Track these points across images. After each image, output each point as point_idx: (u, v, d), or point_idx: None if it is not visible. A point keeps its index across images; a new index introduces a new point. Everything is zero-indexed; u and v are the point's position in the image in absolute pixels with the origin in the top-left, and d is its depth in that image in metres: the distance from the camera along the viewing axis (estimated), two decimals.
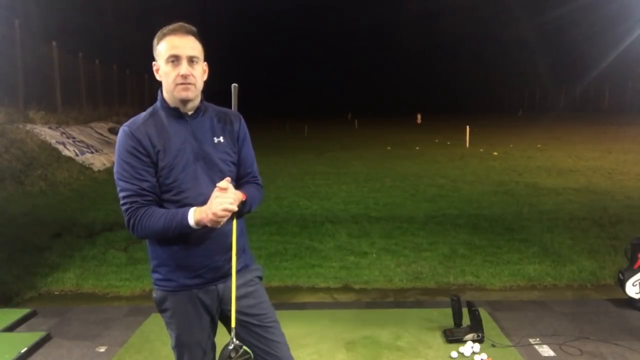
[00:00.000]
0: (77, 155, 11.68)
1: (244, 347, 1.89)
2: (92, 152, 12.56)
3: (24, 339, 3.55)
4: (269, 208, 7.66)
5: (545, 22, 45.01)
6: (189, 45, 1.88)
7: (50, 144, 11.29)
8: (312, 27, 61.70)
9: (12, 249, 5.70)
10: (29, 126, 11.51)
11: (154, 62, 1.95)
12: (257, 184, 2.14)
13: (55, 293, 4.71)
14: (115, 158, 1.92)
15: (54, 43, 14.80)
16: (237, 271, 1.98)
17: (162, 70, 1.91)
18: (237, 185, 2.03)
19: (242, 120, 2.10)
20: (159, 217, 1.84)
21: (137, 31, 25.88)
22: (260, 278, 2.17)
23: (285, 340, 2.11)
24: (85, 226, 6.82)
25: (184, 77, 1.86)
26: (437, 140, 19.21)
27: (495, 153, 14.80)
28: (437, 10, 57.74)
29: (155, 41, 1.92)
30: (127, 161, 1.87)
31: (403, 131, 24.14)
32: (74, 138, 12.80)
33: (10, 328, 3.80)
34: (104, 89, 19.04)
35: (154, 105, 1.99)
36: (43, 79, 14.31)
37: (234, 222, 1.96)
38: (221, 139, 1.99)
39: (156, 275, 2.02)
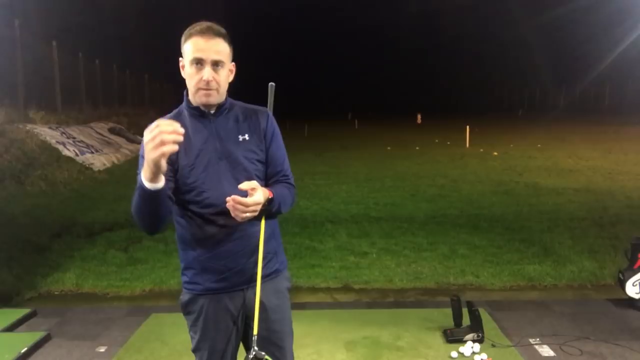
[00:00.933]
0: (77, 155, 11.67)
1: (266, 357, 1.81)
2: (92, 152, 12.55)
3: (24, 339, 3.55)
4: None
5: (545, 22, 45.00)
6: (215, 48, 1.80)
7: (50, 144, 11.28)
8: (312, 27, 61.73)
9: (12, 249, 5.69)
10: (29, 126, 11.50)
11: (180, 59, 1.89)
12: (288, 183, 2.03)
13: (55, 293, 4.71)
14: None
15: (54, 43, 14.79)
16: (267, 275, 1.94)
17: (187, 72, 1.86)
18: (267, 184, 1.95)
19: (271, 117, 2.01)
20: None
21: (137, 31, 25.95)
22: (288, 289, 2.10)
23: None
24: (85, 226, 6.81)
25: (207, 82, 1.81)
26: (437, 140, 19.21)
27: (495, 153, 14.81)
28: (437, 10, 57.76)
29: (182, 38, 1.85)
30: None
31: (403, 131, 24.15)
32: (74, 138, 12.79)
33: (10, 328, 3.80)
34: (104, 89, 19.04)
35: (180, 105, 1.95)
36: (43, 79, 14.30)
37: (262, 222, 1.89)
38: (246, 136, 1.92)
39: (184, 278, 1.98)
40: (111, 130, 15.97)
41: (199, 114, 1.90)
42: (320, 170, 12.02)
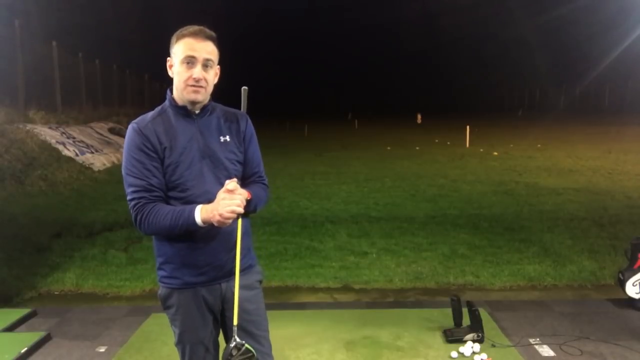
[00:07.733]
0: (77, 155, 11.68)
1: (246, 345, 1.90)
2: (92, 152, 12.55)
3: (24, 339, 3.55)
4: (269, 208, 7.66)
5: (545, 22, 44.99)
6: (206, 49, 1.92)
7: (50, 144, 11.28)
8: (312, 27, 61.73)
9: (12, 249, 5.69)
10: (29, 126, 11.50)
11: (168, 58, 1.98)
12: (263, 184, 2.16)
13: (55, 293, 4.71)
14: (124, 154, 1.95)
15: (54, 43, 14.79)
16: (242, 270, 2.01)
17: (176, 70, 1.94)
18: (243, 184, 2.05)
19: (249, 121, 2.12)
20: (165, 214, 1.86)
21: (137, 31, 25.95)
22: (261, 282, 2.20)
23: (271, 352, 2.16)
24: (85, 226, 6.81)
25: (197, 80, 1.91)
26: (437, 140, 19.21)
27: (495, 153, 14.81)
28: (438, 10, 57.77)
29: (173, 39, 1.95)
30: (136, 157, 1.90)
31: (403, 131, 24.16)
32: (74, 138, 12.79)
33: (10, 328, 3.80)
34: (104, 89, 19.03)
35: (163, 104, 2.02)
36: (43, 79, 14.28)
37: (239, 221, 1.97)
38: (227, 138, 2.02)
39: (162, 273, 2.04)
40: (111, 130, 15.98)
41: (184, 113, 1.98)
42: (320, 170, 12.02)
